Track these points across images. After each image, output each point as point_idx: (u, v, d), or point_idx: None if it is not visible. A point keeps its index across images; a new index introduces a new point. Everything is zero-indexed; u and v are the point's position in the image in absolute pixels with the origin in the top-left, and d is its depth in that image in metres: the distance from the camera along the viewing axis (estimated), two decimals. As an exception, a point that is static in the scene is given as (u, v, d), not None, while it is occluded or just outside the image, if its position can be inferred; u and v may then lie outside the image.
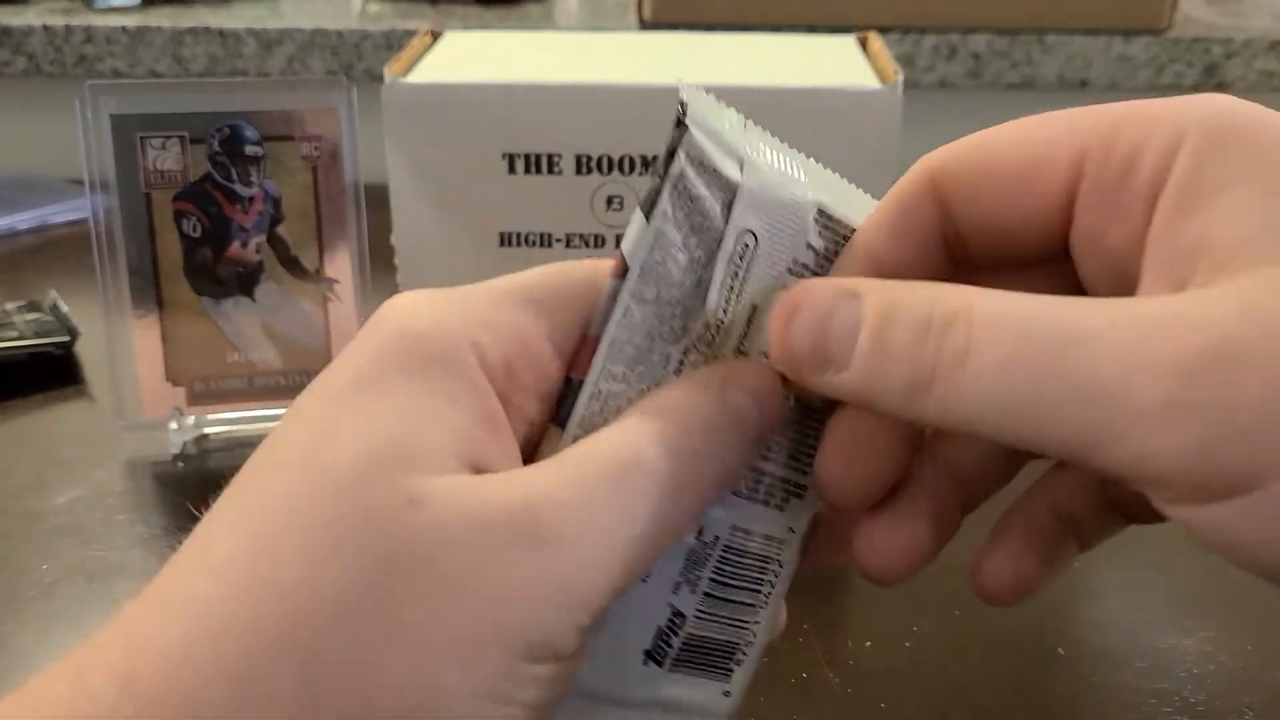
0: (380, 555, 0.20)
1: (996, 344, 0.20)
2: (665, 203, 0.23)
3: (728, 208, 0.24)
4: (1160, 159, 0.22)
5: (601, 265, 0.24)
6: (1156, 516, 0.21)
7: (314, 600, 0.19)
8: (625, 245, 0.23)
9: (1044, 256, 0.24)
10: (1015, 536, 0.26)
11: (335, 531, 0.20)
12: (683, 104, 0.23)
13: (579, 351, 0.24)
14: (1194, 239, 0.21)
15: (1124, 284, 0.23)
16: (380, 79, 0.46)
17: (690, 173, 0.23)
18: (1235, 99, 0.22)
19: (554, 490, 0.21)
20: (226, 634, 0.19)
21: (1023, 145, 0.23)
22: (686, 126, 0.23)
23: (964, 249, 0.25)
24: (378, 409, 0.21)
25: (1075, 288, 0.25)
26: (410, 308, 0.23)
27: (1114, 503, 0.26)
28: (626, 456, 0.22)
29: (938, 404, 0.21)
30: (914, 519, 0.25)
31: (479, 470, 0.21)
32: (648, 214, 0.23)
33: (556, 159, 0.47)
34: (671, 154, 0.23)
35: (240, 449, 0.51)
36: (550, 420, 0.24)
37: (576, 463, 0.22)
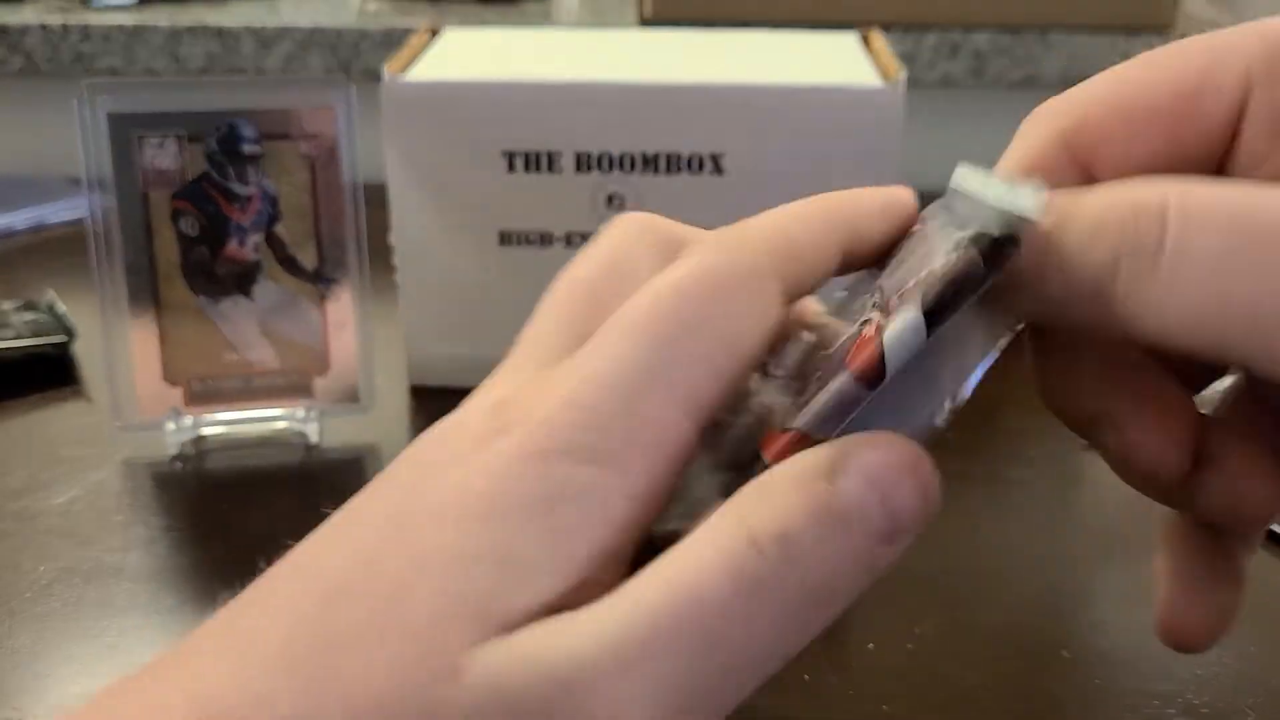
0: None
1: (1199, 229, 0.17)
2: (953, 319, 0.19)
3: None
4: (1237, 88, 0.21)
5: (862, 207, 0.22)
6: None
7: None
8: (891, 348, 0.19)
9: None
10: (1188, 573, 0.24)
11: (365, 686, 0.18)
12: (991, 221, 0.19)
13: (777, 442, 0.20)
14: None
15: None
16: (379, 77, 0.46)
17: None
18: None
19: (593, 655, 0.18)
20: None
21: (1173, 78, 0.21)
22: (1003, 252, 0.19)
23: None
24: (480, 532, 0.19)
25: None
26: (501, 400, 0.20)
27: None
28: (677, 603, 0.18)
29: (1131, 309, 0.18)
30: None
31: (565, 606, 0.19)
32: (933, 322, 0.19)
33: (556, 157, 0.47)
34: (980, 279, 0.19)
35: (237, 450, 0.50)
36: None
37: (625, 609, 0.18)
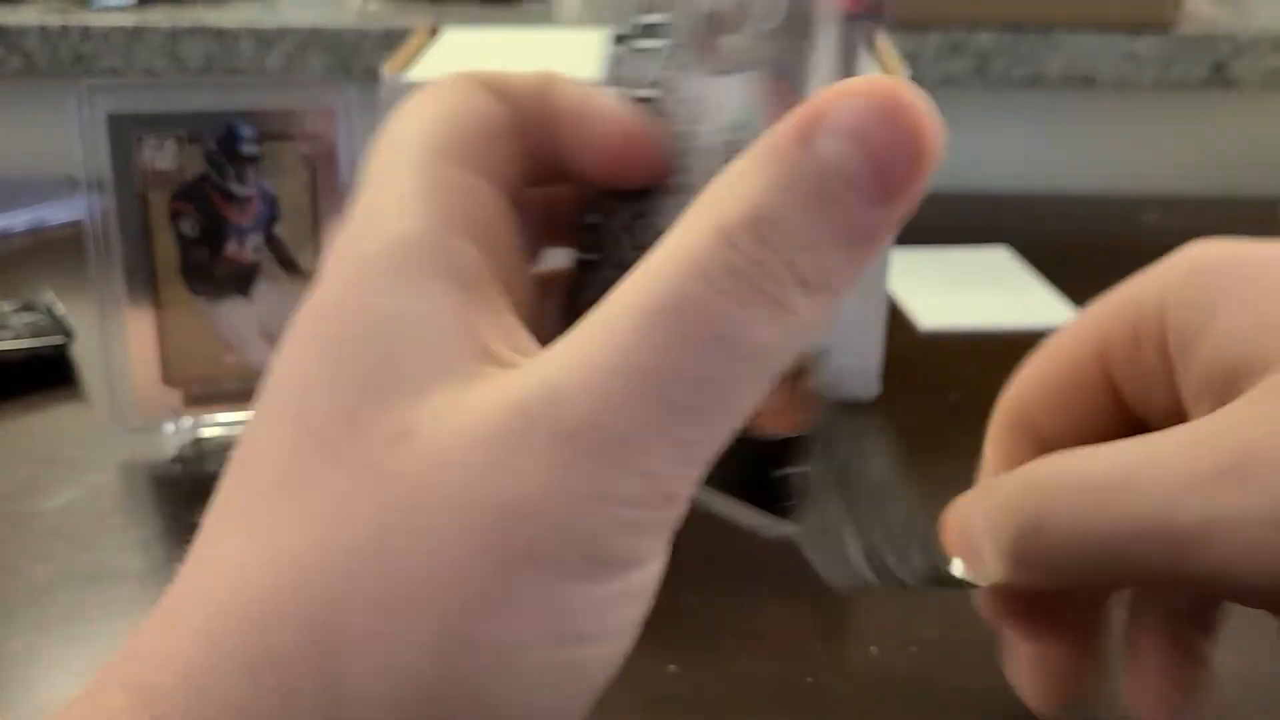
0: (376, 504, 0.17)
1: (1064, 506, 0.23)
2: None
3: None
4: (1155, 324, 0.26)
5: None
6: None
7: (318, 574, 0.17)
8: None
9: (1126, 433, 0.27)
10: (1153, 656, 0.28)
11: (330, 493, 0.18)
12: None
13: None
14: (1204, 374, 0.24)
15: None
16: (378, 77, 0.46)
17: None
18: (1209, 243, 0.26)
19: (560, 372, 0.17)
20: (237, 627, 0.17)
21: (1060, 368, 0.28)
22: None
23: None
24: (345, 338, 0.18)
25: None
26: (348, 236, 0.20)
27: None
28: (650, 304, 0.17)
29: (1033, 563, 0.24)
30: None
31: (487, 362, 0.18)
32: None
33: (557, 157, 0.47)
34: None
35: (237, 451, 0.50)
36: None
37: (585, 340, 0.17)
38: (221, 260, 0.49)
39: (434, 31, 0.55)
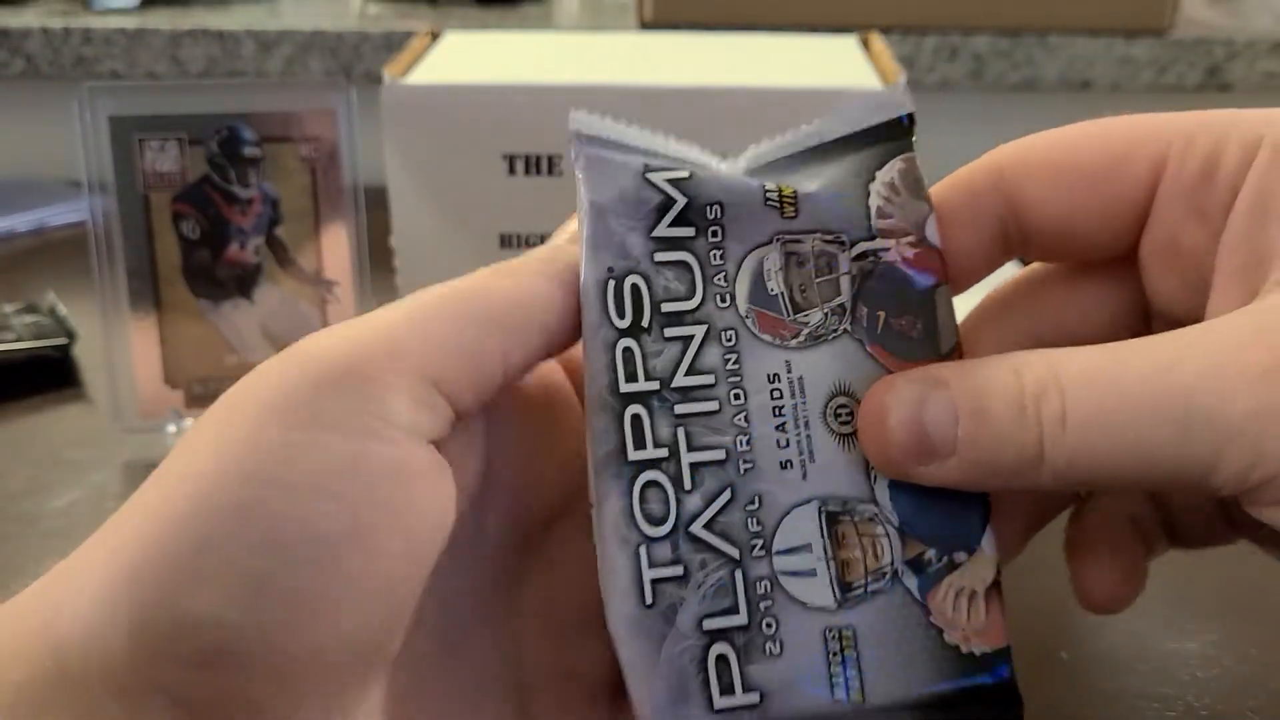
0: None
1: (1090, 399, 0.21)
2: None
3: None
4: (1240, 161, 0.22)
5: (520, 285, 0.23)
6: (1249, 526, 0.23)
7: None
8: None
9: (1108, 257, 0.25)
10: (1112, 533, 0.26)
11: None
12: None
13: None
14: (1266, 247, 0.21)
15: (1194, 289, 0.23)
16: (379, 80, 0.46)
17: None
18: None
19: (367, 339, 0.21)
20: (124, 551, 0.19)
21: (1104, 142, 0.24)
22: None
23: (1025, 245, 0.25)
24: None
25: (1134, 293, 0.25)
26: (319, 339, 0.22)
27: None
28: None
29: (1051, 471, 0.21)
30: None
31: None
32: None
33: (557, 160, 0.47)
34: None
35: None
36: None
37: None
38: (223, 262, 0.49)
39: (435, 35, 0.55)
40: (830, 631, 0.22)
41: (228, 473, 0.19)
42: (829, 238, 0.24)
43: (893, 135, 0.24)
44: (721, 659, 0.22)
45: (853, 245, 0.24)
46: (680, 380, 0.23)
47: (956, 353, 0.24)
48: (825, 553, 0.23)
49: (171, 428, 0.50)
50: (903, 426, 0.22)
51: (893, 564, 0.23)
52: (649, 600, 0.22)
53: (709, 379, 0.23)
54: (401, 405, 0.20)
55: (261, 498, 0.19)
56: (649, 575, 0.22)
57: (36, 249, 0.74)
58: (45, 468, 0.49)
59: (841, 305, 0.23)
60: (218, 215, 0.49)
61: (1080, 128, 0.24)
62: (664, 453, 0.22)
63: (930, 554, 0.23)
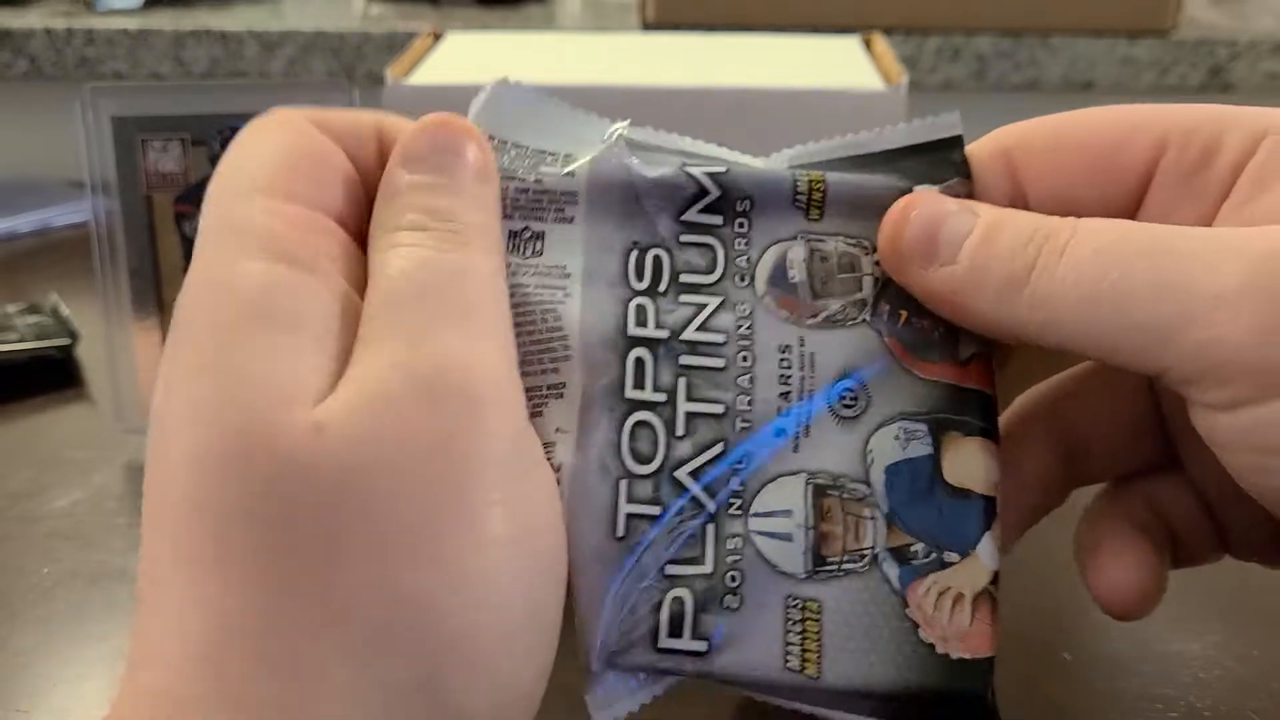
0: (303, 502, 0.19)
1: (1095, 239, 0.22)
2: None
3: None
4: (1241, 150, 0.23)
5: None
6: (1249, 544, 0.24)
7: (258, 601, 0.19)
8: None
9: None
10: (1127, 536, 0.27)
11: (252, 507, 0.19)
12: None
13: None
14: (1263, 213, 0.22)
15: None
16: (382, 80, 0.46)
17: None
18: None
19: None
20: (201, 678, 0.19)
21: (1105, 126, 0.25)
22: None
23: None
24: (231, 370, 0.21)
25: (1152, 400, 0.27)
26: (199, 273, 0.22)
27: (1209, 514, 0.27)
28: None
29: (1029, 298, 0.22)
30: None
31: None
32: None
33: (558, 161, 0.47)
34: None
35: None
36: None
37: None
38: (226, 262, 0.49)
39: (437, 36, 0.55)
40: (793, 600, 0.22)
41: None
42: (851, 241, 0.24)
43: (938, 154, 0.25)
44: (677, 600, 0.22)
45: (875, 251, 0.24)
46: (690, 334, 0.23)
47: (975, 362, 0.24)
48: (806, 521, 0.23)
49: (174, 428, 0.50)
50: (920, 224, 0.23)
51: (874, 548, 0.23)
52: (620, 533, 0.22)
53: (719, 338, 0.23)
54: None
55: None
56: (625, 509, 0.22)
57: (39, 249, 0.74)
58: (47, 468, 0.49)
59: (862, 300, 0.24)
60: (220, 216, 0.49)
61: (1084, 112, 0.25)
62: (662, 397, 0.23)
63: (918, 548, 0.23)
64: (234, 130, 0.49)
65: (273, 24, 0.89)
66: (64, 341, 0.57)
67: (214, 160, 0.48)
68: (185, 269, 0.48)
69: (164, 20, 0.90)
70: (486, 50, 0.54)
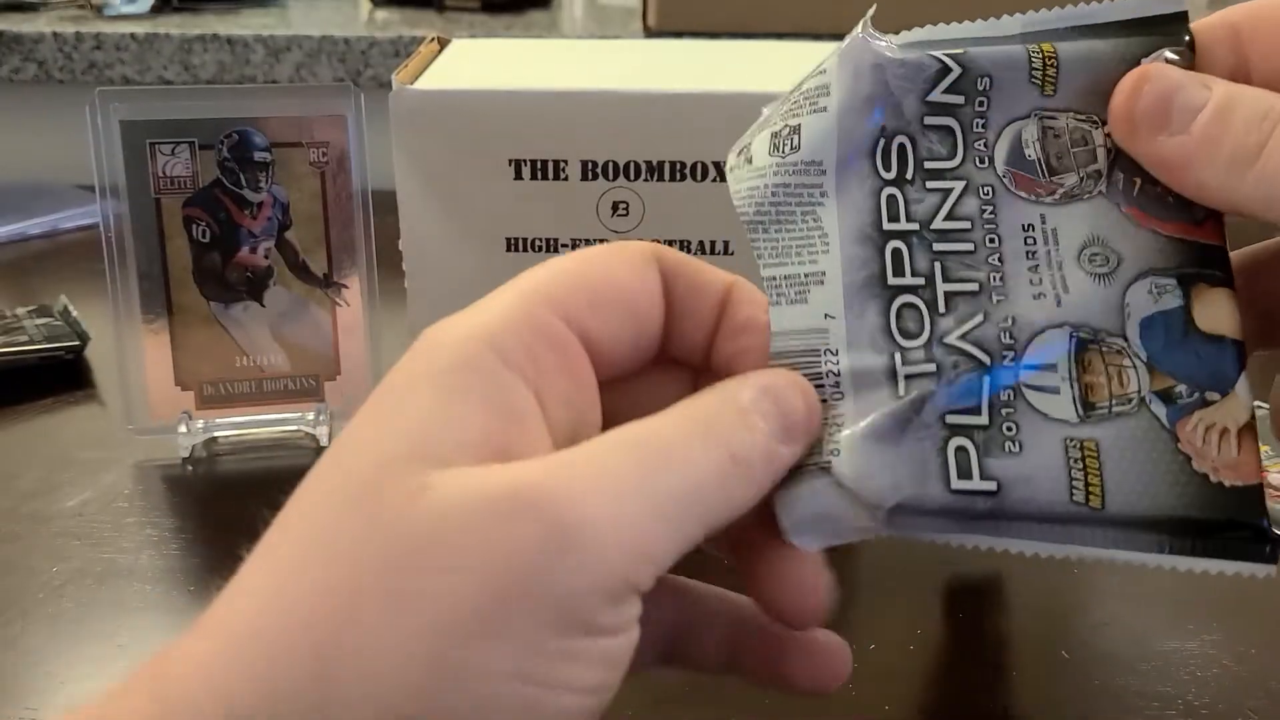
0: (384, 542, 0.20)
1: None
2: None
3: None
4: None
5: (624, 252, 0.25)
6: None
7: (327, 599, 0.20)
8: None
9: None
10: None
11: (348, 532, 0.21)
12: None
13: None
14: None
15: None
16: (388, 86, 0.47)
17: None
18: None
19: (563, 466, 0.21)
20: (253, 642, 0.20)
21: None
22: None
23: None
24: (394, 416, 0.22)
25: None
26: (437, 325, 0.23)
27: None
28: (641, 430, 0.22)
29: (1257, 174, 0.23)
30: None
31: (503, 460, 0.22)
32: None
33: (563, 165, 0.48)
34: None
35: (248, 453, 0.51)
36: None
37: (595, 443, 0.22)
38: (234, 265, 0.50)
39: (442, 41, 0.56)
40: (1072, 441, 0.24)
41: None
42: (1082, 117, 0.25)
43: (1164, 28, 0.25)
44: (961, 449, 0.24)
45: (1105, 124, 0.25)
46: (939, 224, 0.25)
47: (1209, 221, 0.25)
48: (1070, 374, 0.24)
49: (182, 429, 0.50)
50: (1155, 94, 0.24)
51: (1140, 392, 0.24)
52: (901, 391, 0.24)
53: (965, 224, 0.25)
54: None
55: None
56: (903, 371, 0.24)
57: (49, 252, 0.75)
58: (57, 468, 0.50)
59: (1097, 171, 0.25)
60: (228, 219, 0.49)
61: None
62: (920, 281, 0.24)
63: (1181, 389, 0.24)
64: (241, 134, 0.50)
65: (279, 29, 0.89)
66: (74, 343, 0.58)
67: (222, 164, 0.48)
68: (193, 271, 0.49)
69: (172, 25, 0.90)
70: (491, 56, 0.55)
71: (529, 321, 0.23)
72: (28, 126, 0.93)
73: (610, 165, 0.48)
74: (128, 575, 0.43)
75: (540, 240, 0.49)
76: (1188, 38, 0.25)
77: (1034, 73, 0.25)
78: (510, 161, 0.48)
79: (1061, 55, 0.25)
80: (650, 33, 0.89)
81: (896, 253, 0.25)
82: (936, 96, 0.25)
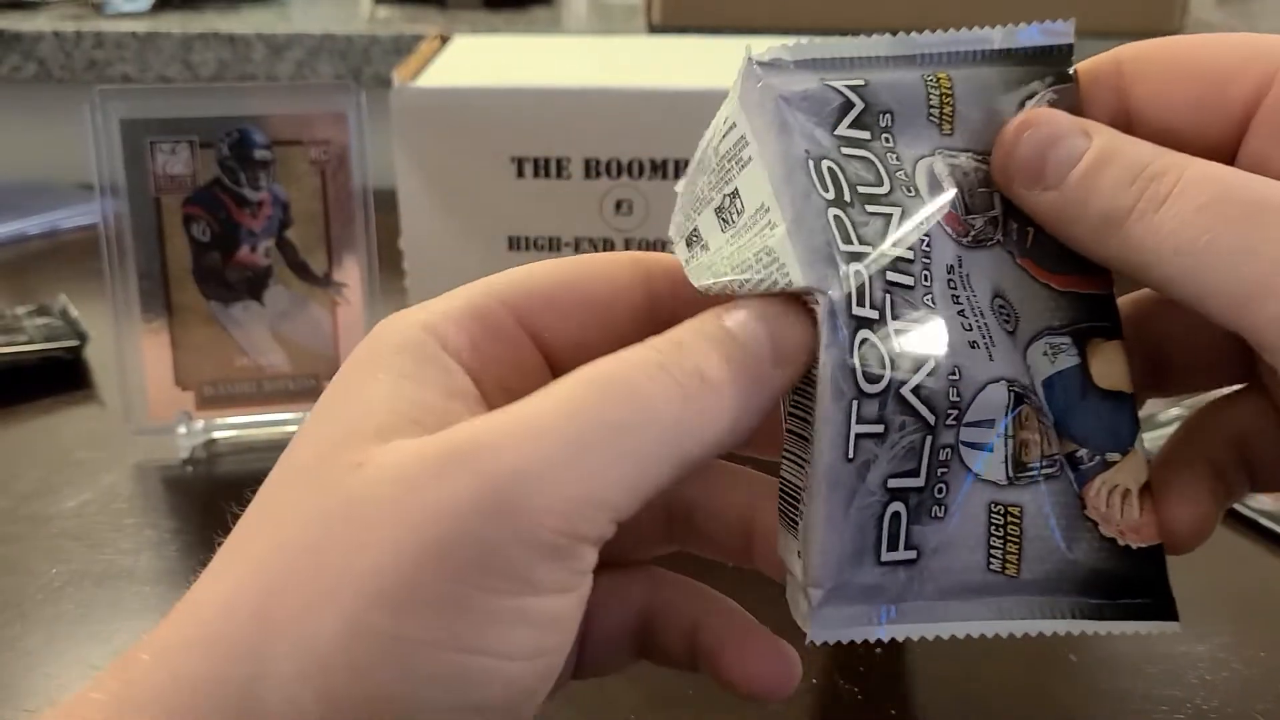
0: (318, 513, 0.20)
1: (1198, 194, 0.22)
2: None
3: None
4: None
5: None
6: None
7: (262, 576, 0.20)
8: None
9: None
10: (1193, 476, 0.26)
11: (294, 510, 0.21)
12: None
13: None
14: None
15: None
16: (389, 83, 0.46)
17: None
18: None
19: (504, 415, 0.20)
20: (208, 618, 0.20)
21: (1217, 53, 0.24)
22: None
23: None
24: (338, 402, 0.23)
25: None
26: (388, 317, 0.24)
27: None
28: (597, 367, 0.21)
29: (1123, 240, 0.22)
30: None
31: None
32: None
33: (565, 163, 0.47)
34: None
35: (248, 453, 0.51)
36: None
37: (545, 389, 0.21)
38: (233, 264, 0.49)
39: (444, 38, 0.56)
40: (996, 506, 0.23)
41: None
42: (979, 158, 0.24)
43: (1051, 61, 0.25)
44: (895, 516, 0.23)
45: None
46: (887, 249, 0.23)
47: (1100, 270, 0.24)
48: (1006, 430, 0.23)
49: (182, 429, 0.50)
50: (1032, 144, 0.23)
51: (1058, 454, 0.24)
52: (850, 454, 0.22)
53: (909, 254, 0.23)
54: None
55: None
56: (855, 430, 0.22)
57: (48, 251, 0.75)
58: (56, 469, 0.49)
59: (995, 217, 0.24)
60: (228, 218, 0.49)
61: (1202, 37, 0.25)
62: (876, 314, 0.23)
63: (1083, 453, 0.24)
64: (241, 133, 0.49)
65: (280, 27, 0.89)
66: (73, 343, 0.58)
67: (222, 162, 0.48)
68: (193, 270, 0.49)
69: (172, 23, 0.90)
70: (493, 53, 0.55)
71: (472, 312, 0.23)
72: (27, 125, 0.93)
73: (613, 163, 0.47)
74: (127, 577, 0.42)
75: (542, 239, 0.49)
76: (1070, 71, 0.25)
77: (931, 110, 0.24)
78: (512, 159, 0.47)
79: (957, 89, 0.24)
80: (654, 29, 0.89)
81: (858, 274, 0.23)
82: (843, 131, 0.24)
